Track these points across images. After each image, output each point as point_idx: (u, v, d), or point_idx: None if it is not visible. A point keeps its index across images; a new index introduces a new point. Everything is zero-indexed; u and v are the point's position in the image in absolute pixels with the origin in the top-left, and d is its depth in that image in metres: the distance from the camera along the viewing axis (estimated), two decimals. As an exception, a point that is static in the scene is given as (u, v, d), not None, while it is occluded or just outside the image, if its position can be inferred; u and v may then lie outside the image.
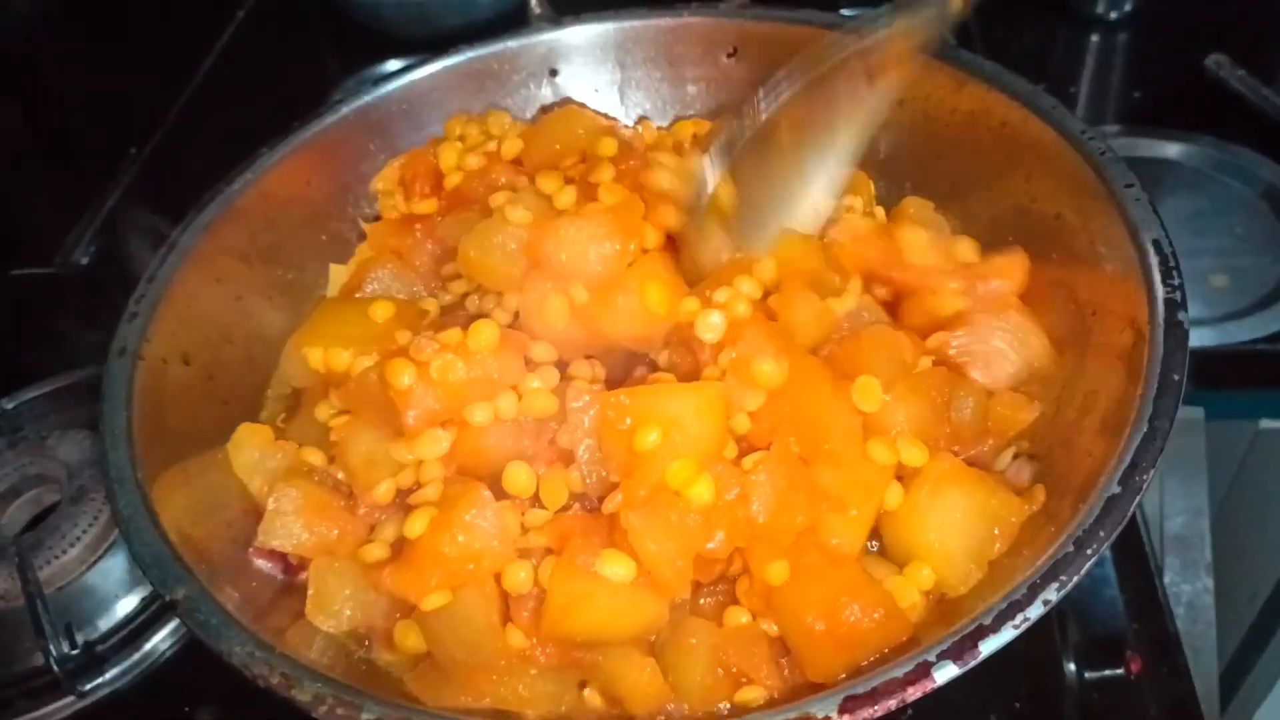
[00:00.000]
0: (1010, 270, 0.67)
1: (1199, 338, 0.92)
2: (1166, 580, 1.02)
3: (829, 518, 0.56)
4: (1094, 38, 1.26)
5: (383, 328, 0.67)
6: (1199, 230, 1.04)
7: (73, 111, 1.39)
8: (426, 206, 0.75)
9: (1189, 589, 1.04)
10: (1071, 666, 0.76)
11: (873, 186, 0.79)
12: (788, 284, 0.64)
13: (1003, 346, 0.63)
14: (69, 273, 1.07)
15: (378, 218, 0.81)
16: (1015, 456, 0.62)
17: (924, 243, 0.69)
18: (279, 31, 1.42)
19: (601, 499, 0.58)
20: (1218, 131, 1.10)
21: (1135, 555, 0.81)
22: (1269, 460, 1.14)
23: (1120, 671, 0.75)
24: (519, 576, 0.55)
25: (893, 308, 0.68)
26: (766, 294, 0.64)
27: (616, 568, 0.54)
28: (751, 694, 0.54)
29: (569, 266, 0.63)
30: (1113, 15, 1.26)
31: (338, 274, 0.79)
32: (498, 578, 0.56)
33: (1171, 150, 1.11)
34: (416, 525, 0.56)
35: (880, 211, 0.78)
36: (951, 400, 0.61)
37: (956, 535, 0.56)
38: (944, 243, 0.71)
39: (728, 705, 0.54)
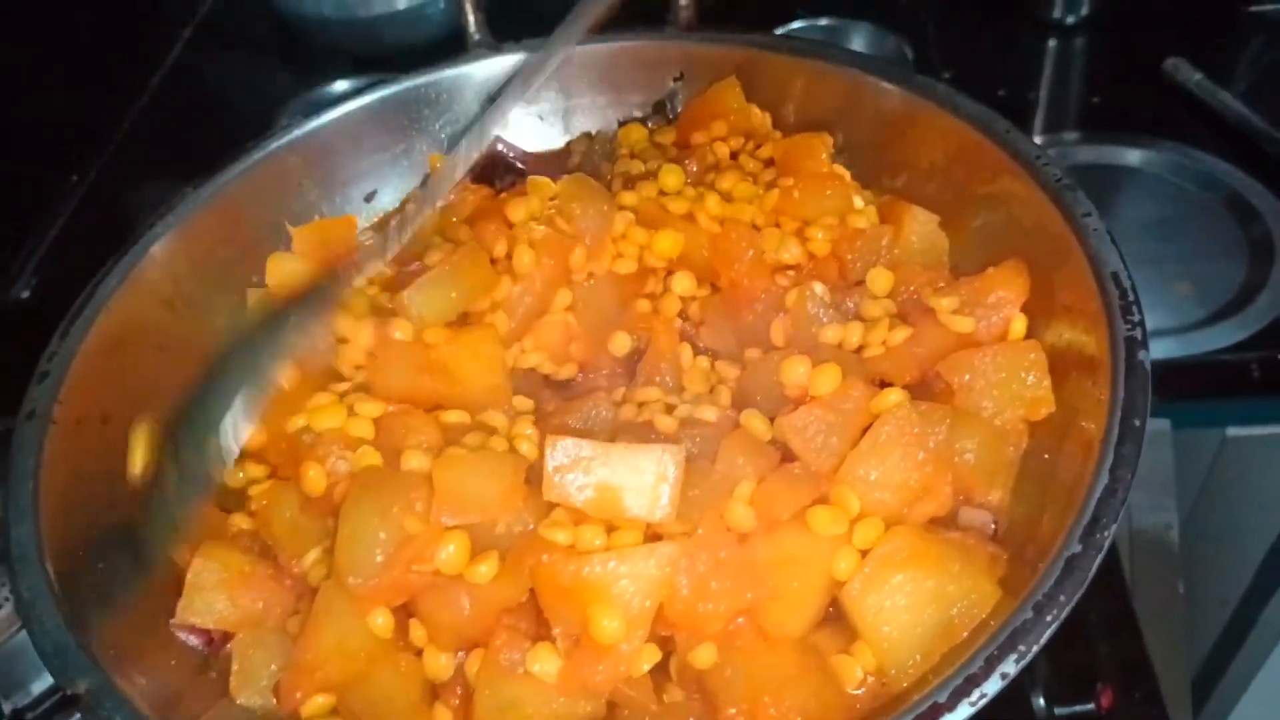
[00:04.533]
0: (1011, 281, 0.62)
1: (1164, 348, 0.91)
2: (1137, 596, 1.00)
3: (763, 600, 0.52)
4: (1051, 43, 1.25)
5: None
6: (1163, 237, 1.03)
7: (8, 136, 1.34)
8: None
9: (1160, 604, 1.03)
10: (1041, 702, 0.74)
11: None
12: None
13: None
14: (7, 308, 1.03)
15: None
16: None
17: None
18: (226, 50, 1.38)
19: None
20: (1178, 136, 1.09)
21: (1106, 574, 0.79)
22: (1236, 468, 1.13)
23: (1091, 706, 0.73)
24: (439, 663, 0.52)
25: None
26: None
27: (548, 665, 0.50)
28: None
29: None
30: (1069, 20, 1.25)
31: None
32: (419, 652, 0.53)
33: (1133, 157, 1.10)
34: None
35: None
36: (953, 442, 0.56)
37: (899, 623, 0.50)
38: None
39: None
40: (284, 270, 0.74)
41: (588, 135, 0.83)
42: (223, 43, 1.39)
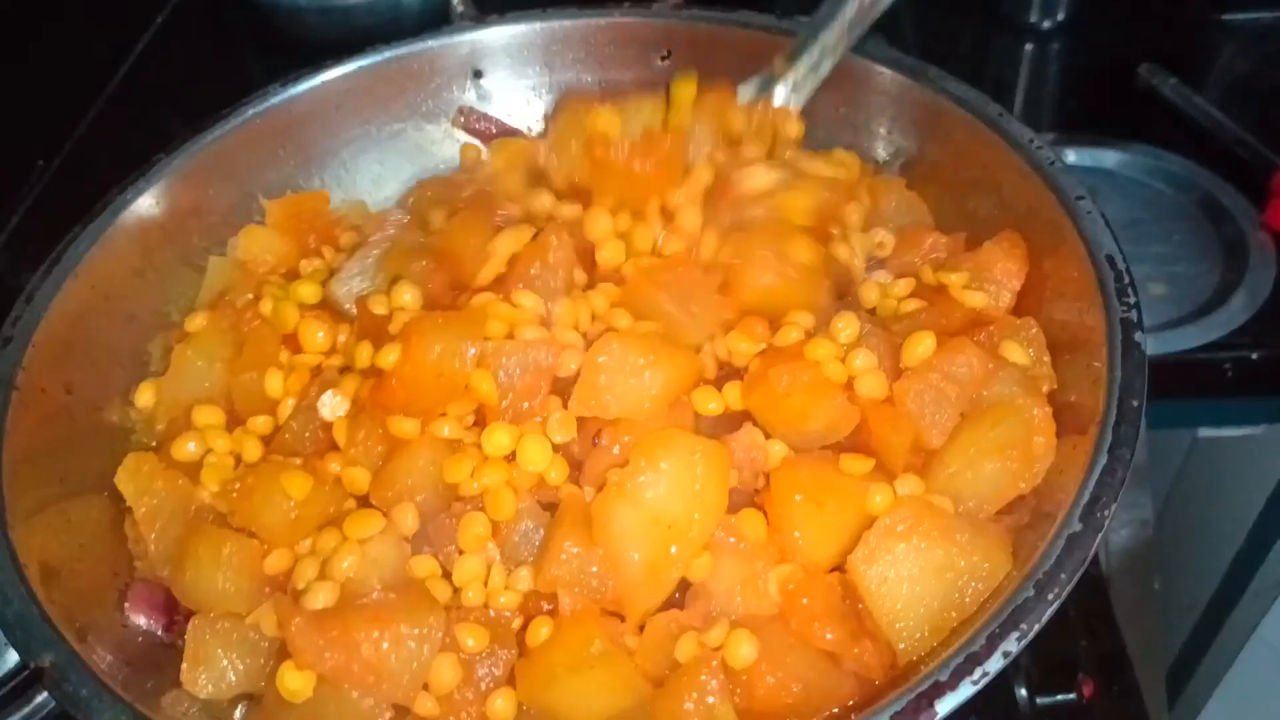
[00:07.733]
0: (1011, 253, 0.61)
1: (1139, 348, 0.91)
2: (1114, 593, 1.01)
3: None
4: (1028, 47, 1.26)
5: None
6: (1137, 238, 1.04)
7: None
8: None
9: (1136, 601, 1.03)
10: (1023, 692, 0.74)
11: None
12: None
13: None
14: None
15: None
16: None
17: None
18: (198, 37, 1.35)
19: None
20: (1151, 139, 1.10)
21: (1084, 571, 0.79)
22: (1207, 468, 1.15)
23: (1073, 696, 0.73)
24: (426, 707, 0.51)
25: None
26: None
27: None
28: None
29: None
30: (1046, 24, 1.26)
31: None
32: None
33: (1107, 159, 1.11)
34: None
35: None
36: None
37: (904, 595, 0.49)
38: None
39: None
40: (257, 243, 0.72)
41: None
42: (195, 30, 1.36)
